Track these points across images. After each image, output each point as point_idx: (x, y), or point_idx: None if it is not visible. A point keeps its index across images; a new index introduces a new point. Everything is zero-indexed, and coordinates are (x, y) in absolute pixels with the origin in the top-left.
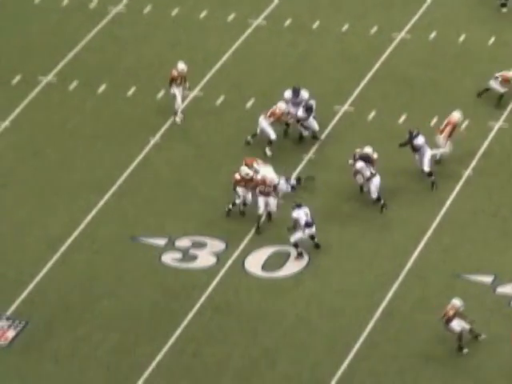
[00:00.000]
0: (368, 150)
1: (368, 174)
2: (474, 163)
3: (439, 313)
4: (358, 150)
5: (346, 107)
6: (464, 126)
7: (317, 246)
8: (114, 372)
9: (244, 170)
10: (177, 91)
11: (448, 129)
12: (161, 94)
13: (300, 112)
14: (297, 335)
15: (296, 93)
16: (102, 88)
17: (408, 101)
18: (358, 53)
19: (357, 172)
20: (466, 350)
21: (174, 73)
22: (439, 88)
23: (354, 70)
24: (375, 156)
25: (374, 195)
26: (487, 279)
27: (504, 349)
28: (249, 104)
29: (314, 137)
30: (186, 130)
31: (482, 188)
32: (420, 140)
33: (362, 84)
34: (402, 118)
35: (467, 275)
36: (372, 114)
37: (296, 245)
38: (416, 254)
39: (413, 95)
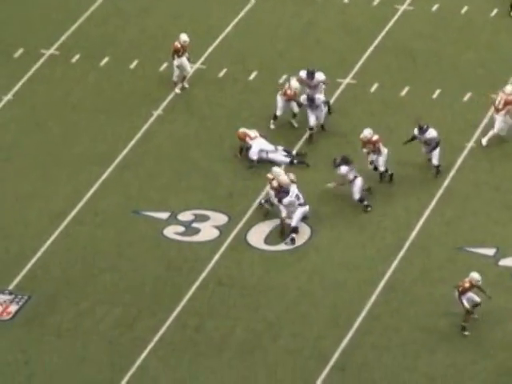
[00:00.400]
0: (367, 132)
1: (352, 176)
2: (476, 135)
3: (441, 286)
4: (336, 157)
5: (348, 80)
6: (467, 98)
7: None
8: (116, 346)
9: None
10: (179, 62)
11: (508, 107)
12: (163, 67)
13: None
14: (299, 308)
15: (310, 75)
16: (105, 61)
17: (411, 73)
18: (361, 24)
19: (341, 176)
20: (467, 333)
21: (177, 44)
22: (442, 60)
23: (356, 42)
24: (375, 137)
25: (356, 196)
26: (490, 252)
27: (506, 321)
28: (252, 76)
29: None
30: (188, 102)
31: (485, 160)
32: (431, 133)
33: (365, 56)
34: (405, 91)
35: (470, 248)
36: (374, 87)
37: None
38: (418, 227)
39: (415, 68)
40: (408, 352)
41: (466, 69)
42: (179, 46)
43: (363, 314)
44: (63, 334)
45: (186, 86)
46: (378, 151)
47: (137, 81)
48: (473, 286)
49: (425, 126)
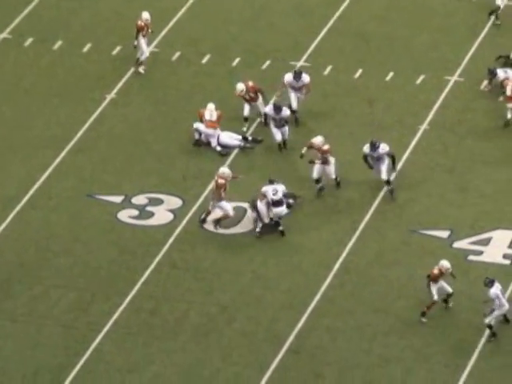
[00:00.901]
0: (318, 141)
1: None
2: (430, 117)
3: (396, 268)
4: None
5: (301, 62)
6: (420, 80)
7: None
8: (71, 330)
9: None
10: (142, 41)
11: None
12: (117, 50)
13: (269, 108)
14: (254, 292)
15: (298, 76)
16: (58, 44)
17: (364, 56)
18: (314, 7)
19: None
20: (424, 320)
21: (140, 23)
22: (395, 43)
23: (309, 25)
24: (325, 147)
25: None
26: (444, 234)
27: (462, 303)
28: (205, 60)
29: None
30: (142, 86)
31: (438, 143)
32: (382, 149)
33: (318, 39)
34: (358, 73)
35: (423, 230)
36: (328, 70)
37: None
38: (372, 209)
39: (369, 50)
40: (363, 334)
41: (419, 51)
42: (142, 24)
43: (318, 296)
44: (17, 318)
45: (141, 70)
46: (325, 161)
47: (90, 64)
48: (442, 274)
49: (377, 143)
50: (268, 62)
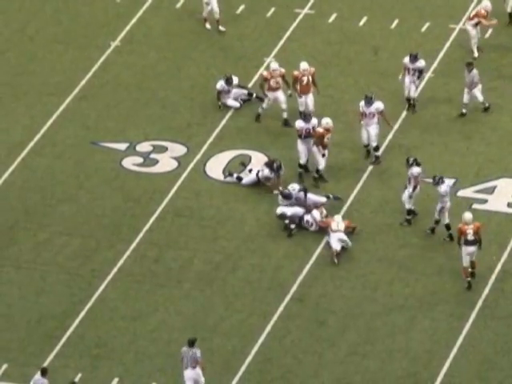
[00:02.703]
0: (326, 121)
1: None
2: (434, 65)
3: (400, 217)
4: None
5: (306, 10)
6: (425, 28)
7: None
8: (75, 277)
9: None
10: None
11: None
12: None
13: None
14: (258, 240)
15: (368, 102)
16: None
17: (369, 3)
18: None
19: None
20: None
21: None
22: None
23: None
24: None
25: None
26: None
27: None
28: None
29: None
30: (146, 33)
31: (443, 91)
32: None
33: None
34: (363, 21)
35: (428, 179)
36: (333, 17)
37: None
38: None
39: None
40: (367, 283)
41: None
42: None
43: (322, 244)
44: (22, 265)
45: (222, 28)
46: (323, 145)
47: (95, 11)
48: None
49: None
50: (272, 10)
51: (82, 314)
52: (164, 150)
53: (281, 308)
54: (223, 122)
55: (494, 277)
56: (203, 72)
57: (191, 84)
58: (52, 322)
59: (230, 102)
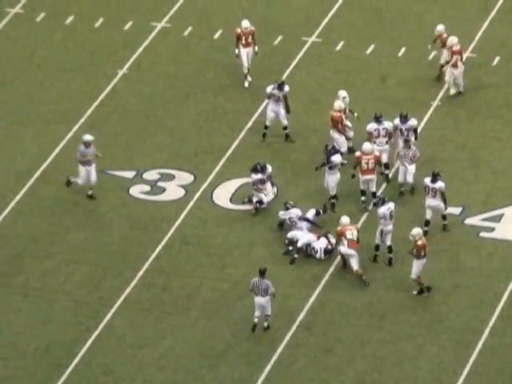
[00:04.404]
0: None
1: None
2: (441, 94)
3: (408, 245)
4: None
5: (313, 38)
6: (432, 56)
7: None
8: (82, 305)
9: None
10: (242, 51)
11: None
12: (128, 25)
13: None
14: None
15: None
16: (70, 19)
17: (376, 31)
18: None
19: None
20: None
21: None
22: (407, 18)
23: (321, 0)
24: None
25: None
26: (455, 211)
27: (473, 279)
28: (216, 35)
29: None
30: (153, 61)
31: (450, 119)
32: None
33: (330, 14)
34: (370, 49)
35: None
36: (340, 45)
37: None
38: (383, 186)
39: (381, 25)
40: (374, 311)
41: (432, 27)
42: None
43: (330, 270)
44: (29, 293)
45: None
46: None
47: (102, 39)
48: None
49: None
50: (280, 38)
51: (90, 341)
52: (171, 178)
53: (288, 336)
54: (230, 150)
55: (501, 305)
56: (211, 100)
57: (198, 112)
58: (59, 349)
59: None
